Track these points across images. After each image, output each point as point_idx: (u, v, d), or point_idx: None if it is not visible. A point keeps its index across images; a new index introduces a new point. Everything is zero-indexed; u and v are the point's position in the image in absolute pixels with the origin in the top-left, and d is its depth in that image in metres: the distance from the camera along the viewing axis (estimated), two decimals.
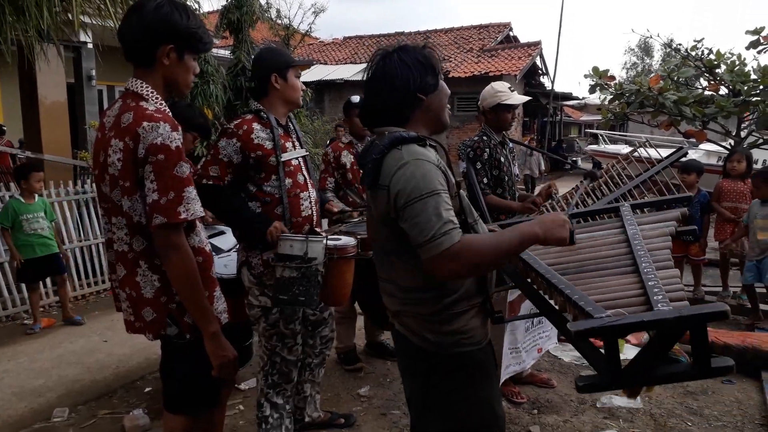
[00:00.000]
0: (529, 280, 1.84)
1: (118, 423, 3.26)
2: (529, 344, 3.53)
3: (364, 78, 1.77)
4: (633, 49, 40.81)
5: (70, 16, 4.74)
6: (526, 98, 3.69)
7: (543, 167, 15.41)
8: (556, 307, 1.63)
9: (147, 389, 3.73)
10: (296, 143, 2.73)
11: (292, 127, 2.76)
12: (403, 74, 1.68)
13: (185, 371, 1.97)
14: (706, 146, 9.90)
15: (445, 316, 1.66)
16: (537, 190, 4.01)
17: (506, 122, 3.51)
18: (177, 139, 1.76)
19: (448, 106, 1.82)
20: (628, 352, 3.76)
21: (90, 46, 8.39)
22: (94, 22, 5.22)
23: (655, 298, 1.36)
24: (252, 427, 3.18)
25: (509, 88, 3.52)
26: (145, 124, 1.72)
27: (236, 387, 3.61)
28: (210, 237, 3.27)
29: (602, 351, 1.40)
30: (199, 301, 1.80)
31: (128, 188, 1.77)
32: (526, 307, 3.36)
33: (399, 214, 1.57)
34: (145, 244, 1.83)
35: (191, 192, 1.78)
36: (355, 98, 3.79)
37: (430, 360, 1.69)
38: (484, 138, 3.50)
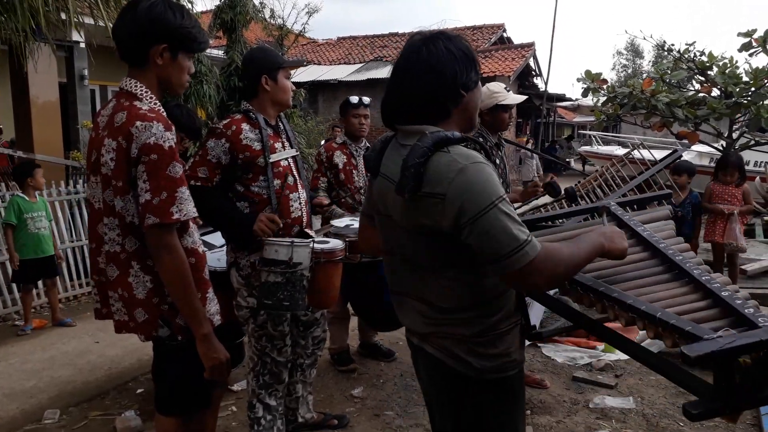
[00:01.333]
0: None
1: (110, 424, 3.24)
2: None
3: (395, 65, 1.58)
4: (621, 53, 40.95)
5: (62, 15, 4.71)
6: (523, 97, 3.67)
7: (540, 172, 15.06)
8: (597, 316, 1.56)
9: (139, 390, 3.71)
10: (286, 143, 2.71)
11: (283, 127, 2.74)
12: (451, 64, 1.50)
13: (177, 373, 1.96)
14: (699, 147, 9.95)
15: (490, 338, 1.52)
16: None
17: (504, 123, 3.50)
18: (170, 138, 1.75)
19: None
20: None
21: (82, 45, 8.34)
22: (86, 21, 5.19)
23: (747, 311, 1.30)
24: (245, 428, 3.17)
25: (505, 88, 3.51)
26: (138, 123, 1.71)
27: (229, 388, 3.59)
28: (203, 234, 3.28)
29: (692, 373, 1.33)
30: (191, 303, 1.79)
31: (121, 188, 1.76)
32: None
33: (464, 228, 1.38)
34: (138, 244, 1.82)
35: (184, 192, 1.77)
36: (354, 99, 3.79)
37: (468, 384, 1.56)
38: (480, 140, 3.49)
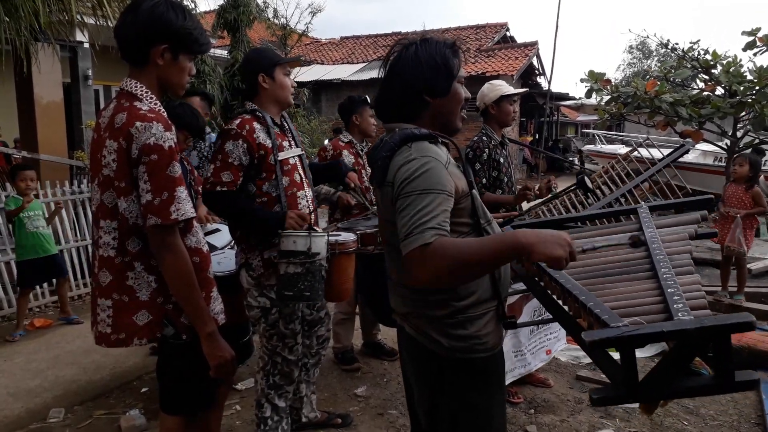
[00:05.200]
0: (542, 283, 1.77)
1: (115, 423, 3.25)
2: (536, 346, 3.51)
3: (381, 69, 1.68)
4: (632, 50, 40.69)
5: (66, 15, 4.72)
6: (525, 90, 3.81)
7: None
8: (570, 313, 1.57)
9: (144, 389, 3.72)
10: (292, 142, 2.74)
11: (288, 126, 2.77)
12: (412, 72, 1.58)
13: (181, 372, 1.97)
14: (703, 146, 9.92)
15: (459, 320, 1.59)
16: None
17: (509, 115, 3.53)
18: (170, 138, 1.75)
19: (465, 110, 1.71)
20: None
21: (86, 45, 8.36)
22: (90, 21, 5.21)
23: (675, 306, 1.29)
24: (249, 427, 3.18)
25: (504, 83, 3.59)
26: (138, 124, 1.71)
27: (234, 387, 3.60)
28: (204, 235, 3.29)
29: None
30: (194, 302, 1.80)
31: (124, 189, 1.76)
32: (529, 308, 3.35)
33: (394, 206, 1.50)
34: (141, 245, 1.81)
35: (182, 192, 1.76)
36: (369, 99, 3.81)
37: (440, 364, 1.63)
38: (484, 138, 3.51)
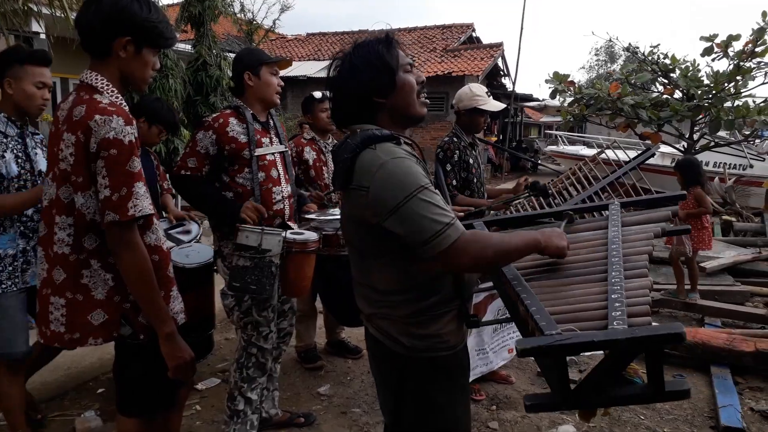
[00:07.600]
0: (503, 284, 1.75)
1: (69, 425, 3.16)
2: (498, 345, 3.55)
3: (325, 88, 1.70)
4: (599, 52, 41.41)
5: (19, 4, 4.56)
6: (502, 105, 3.64)
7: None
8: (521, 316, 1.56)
9: (100, 390, 3.62)
10: (275, 139, 2.83)
11: (272, 124, 2.86)
12: (353, 81, 1.59)
13: (139, 373, 1.92)
14: (661, 148, 10.19)
15: (421, 320, 1.60)
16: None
17: (479, 126, 3.56)
18: (131, 133, 1.71)
19: (424, 94, 1.69)
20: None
21: (42, 36, 8.10)
22: (46, 11, 5.04)
23: (612, 313, 1.29)
24: (210, 427, 3.14)
25: (486, 92, 3.54)
26: (97, 117, 1.66)
27: (194, 387, 3.54)
28: (170, 229, 3.27)
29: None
30: (153, 301, 1.76)
31: (81, 184, 1.71)
32: (494, 308, 3.38)
33: (387, 218, 1.48)
34: (98, 241, 1.77)
35: (140, 188, 1.73)
36: (318, 93, 3.79)
37: (402, 363, 1.63)
38: (455, 139, 3.53)
